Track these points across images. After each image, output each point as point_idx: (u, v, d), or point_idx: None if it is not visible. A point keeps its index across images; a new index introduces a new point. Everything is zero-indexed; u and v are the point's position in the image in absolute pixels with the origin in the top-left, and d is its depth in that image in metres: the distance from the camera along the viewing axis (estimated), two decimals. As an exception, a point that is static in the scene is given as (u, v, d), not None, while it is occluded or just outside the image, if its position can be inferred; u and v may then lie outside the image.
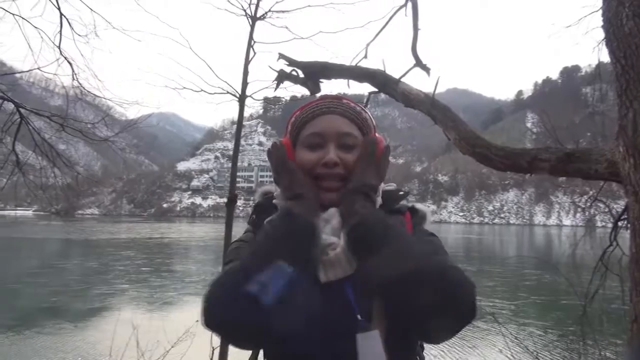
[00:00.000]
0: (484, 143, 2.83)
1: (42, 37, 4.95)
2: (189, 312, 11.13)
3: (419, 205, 1.16)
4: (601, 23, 2.42)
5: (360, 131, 1.12)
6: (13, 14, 4.69)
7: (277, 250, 0.89)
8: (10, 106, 5.01)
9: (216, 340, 4.13)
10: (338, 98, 1.16)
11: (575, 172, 2.41)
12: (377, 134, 1.15)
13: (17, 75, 6.70)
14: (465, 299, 0.87)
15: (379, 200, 1.10)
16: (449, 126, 3.07)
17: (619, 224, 3.18)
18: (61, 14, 4.84)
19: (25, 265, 24.66)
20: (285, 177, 1.07)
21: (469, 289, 0.87)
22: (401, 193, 1.17)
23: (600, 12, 2.43)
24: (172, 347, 5.23)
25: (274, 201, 1.13)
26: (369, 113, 1.18)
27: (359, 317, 0.94)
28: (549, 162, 2.46)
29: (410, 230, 1.09)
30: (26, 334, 10.95)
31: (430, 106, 3.21)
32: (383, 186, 1.16)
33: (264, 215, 1.09)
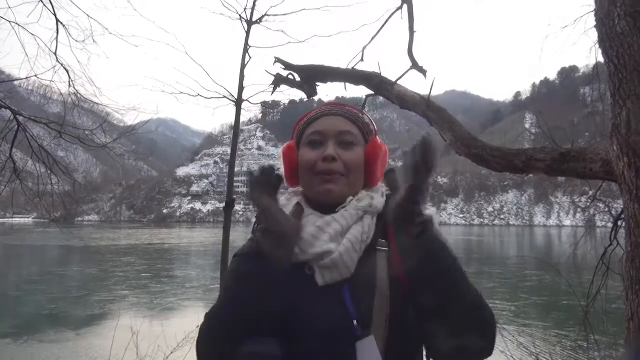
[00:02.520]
0: (480, 144, 2.83)
1: (38, 44, 4.97)
2: (189, 317, 11.10)
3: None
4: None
5: (361, 132, 1.14)
6: (9, 21, 4.70)
7: None
8: (8, 113, 5.02)
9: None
10: (341, 104, 1.19)
11: (570, 171, 2.41)
12: (377, 138, 1.16)
13: (16, 82, 6.71)
14: (492, 341, 0.98)
15: (382, 199, 1.11)
16: (445, 128, 3.08)
17: (619, 223, 3.18)
18: (57, 21, 4.86)
19: (25, 272, 24.62)
20: (258, 212, 1.05)
21: (494, 331, 0.99)
22: None
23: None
24: (172, 352, 5.23)
25: None
26: (370, 117, 1.20)
27: (355, 322, 0.94)
28: (545, 162, 2.47)
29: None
30: (26, 341, 10.92)
31: (425, 108, 3.22)
32: (385, 189, 1.17)
33: None
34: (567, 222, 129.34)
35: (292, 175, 1.16)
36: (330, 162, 1.07)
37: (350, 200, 1.08)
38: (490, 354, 0.97)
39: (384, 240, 1.05)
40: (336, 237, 1.02)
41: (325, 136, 1.11)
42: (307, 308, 0.98)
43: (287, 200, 1.15)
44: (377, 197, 1.11)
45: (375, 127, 1.20)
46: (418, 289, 0.95)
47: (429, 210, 1.10)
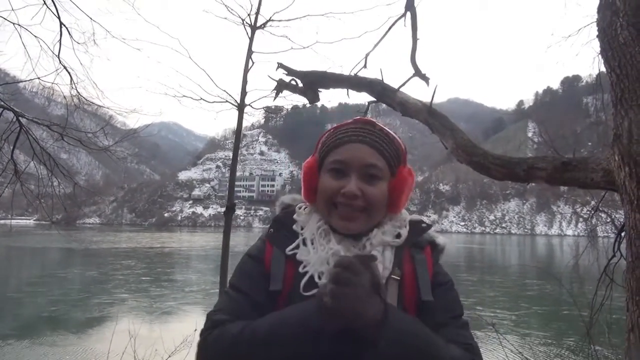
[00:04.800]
0: (481, 152, 2.83)
1: (41, 46, 4.99)
2: (188, 322, 11.05)
3: (439, 240, 1.14)
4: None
5: (387, 162, 1.08)
6: (13, 23, 4.73)
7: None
8: (10, 115, 5.03)
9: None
10: (371, 123, 1.12)
11: (571, 181, 2.40)
12: (405, 167, 1.12)
13: (21, 84, 6.74)
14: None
15: (406, 231, 1.10)
16: (447, 135, 3.07)
17: (622, 234, 3.16)
18: (61, 23, 4.88)
19: (26, 274, 24.62)
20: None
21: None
22: (424, 225, 1.14)
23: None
24: (170, 356, 5.21)
25: (294, 216, 1.13)
26: (402, 141, 1.15)
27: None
28: (546, 171, 2.46)
29: (430, 268, 1.08)
30: (24, 344, 10.89)
31: (427, 115, 3.22)
32: (408, 215, 1.15)
33: (283, 230, 1.10)
34: (569, 232, 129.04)
35: (311, 195, 1.13)
36: (352, 198, 1.03)
37: (375, 233, 1.06)
38: None
39: (397, 270, 1.04)
40: None
41: (349, 167, 1.05)
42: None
43: (307, 217, 1.12)
44: (403, 231, 1.10)
45: (406, 151, 1.16)
46: (426, 313, 1.01)
47: (443, 240, 1.14)
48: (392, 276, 1.02)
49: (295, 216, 1.12)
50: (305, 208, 1.15)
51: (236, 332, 0.93)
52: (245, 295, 1.03)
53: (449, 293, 1.09)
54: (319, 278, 1.00)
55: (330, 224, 1.08)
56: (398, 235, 1.08)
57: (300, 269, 1.03)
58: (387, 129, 1.13)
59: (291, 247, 1.07)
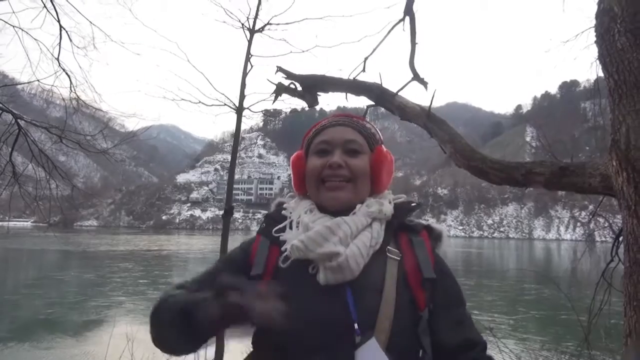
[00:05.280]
0: (479, 156, 2.83)
1: (41, 49, 5.00)
2: (186, 325, 11.01)
3: (435, 225, 1.18)
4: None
5: (365, 139, 1.18)
6: (13, 26, 4.74)
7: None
8: (9, 117, 5.03)
9: (210, 353, 4.09)
10: (347, 115, 1.24)
11: (569, 185, 2.41)
12: (383, 147, 1.19)
13: (19, 86, 6.74)
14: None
15: (390, 206, 1.14)
16: (445, 139, 3.08)
17: (620, 239, 3.16)
18: (61, 27, 4.89)
19: (22, 276, 24.53)
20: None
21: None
22: (413, 204, 1.19)
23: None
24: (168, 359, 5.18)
25: (282, 212, 1.17)
26: (376, 128, 1.24)
27: (356, 326, 0.95)
28: (544, 176, 2.46)
29: (430, 251, 1.11)
30: (21, 346, 10.83)
31: (426, 119, 3.22)
32: (392, 196, 1.20)
33: (273, 224, 1.15)
34: (567, 236, 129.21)
35: (301, 184, 1.19)
36: (336, 168, 1.10)
37: (359, 207, 1.10)
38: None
39: (395, 250, 1.08)
40: (345, 239, 1.03)
41: (332, 145, 1.15)
42: (305, 303, 0.99)
43: (296, 203, 1.18)
44: (386, 204, 1.14)
45: (381, 137, 1.24)
46: (434, 295, 1.06)
47: (440, 226, 1.18)
48: (391, 256, 1.06)
49: (285, 204, 1.19)
50: (296, 198, 1.21)
51: (167, 295, 1.01)
52: (217, 271, 1.08)
53: (450, 283, 1.14)
54: None
55: (319, 204, 1.13)
56: (382, 206, 1.12)
57: (283, 249, 1.07)
58: (362, 119, 1.25)
59: (277, 227, 1.12)
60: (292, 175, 1.21)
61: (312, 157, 1.16)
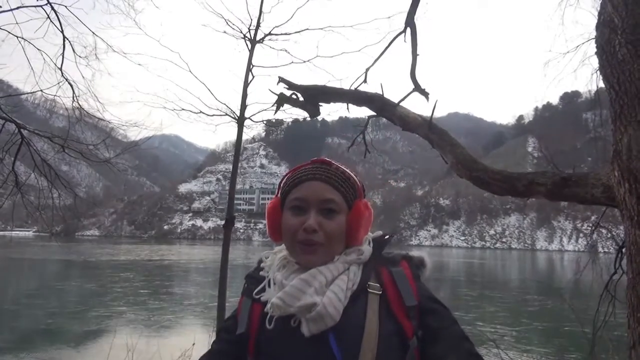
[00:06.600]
0: (481, 167, 2.83)
1: (44, 59, 5.04)
2: (186, 335, 10.96)
3: (413, 253, 1.19)
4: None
5: (343, 196, 1.14)
6: (17, 36, 4.77)
7: None
8: (12, 127, 5.06)
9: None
10: (327, 163, 1.19)
11: (571, 196, 2.40)
12: (362, 201, 1.16)
13: (23, 96, 6.79)
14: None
15: (369, 248, 1.15)
16: (447, 150, 3.08)
17: (624, 250, 3.14)
18: (64, 37, 4.93)
19: (23, 286, 24.48)
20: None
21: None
22: (386, 237, 1.20)
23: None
24: (167, 371, 5.15)
25: (260, 272, 1.19)
26: (358, 179, 1.20)
27: None
28: (546, 187, 2.46)
29: (411, 281, 1.11)
30: (21, 356, 10.78)
31: (427, 130, 3.23)
32: (371, 235, 1.20)
33: (255, 283, 1.16)
34: (570, 247, 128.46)
35: (275, 233, 1.18)
36: (311, 233, 1.08)
37: (337, 258, 1.11)
38: None
39: (376, 284, 1.09)
40: (321, 289, 1.04)
41: (308, 203, 1.11)
42: (292, 358, 1.02)
43: (272, 259, 1.19)
44: (365, 248, 1.14)
45: (362, 186, 1.20)
46: (423, 320, 1.06)
47: (420, 253, 1.20)
48: (372, 291, 1.07)
49: (261, 272, 1.19)
50: (271, 255, 1.21)
51: None
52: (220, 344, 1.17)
53: (437, 306, 1.12)
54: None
55: (295, 260, 1.14)
56: (361, 254, 1.13)
57: (265, 309, 1.08)
58: (343, 167, 1.19)
59: (257, 289, 1.14)
60: (267, 223, 1.18)
61: (287, 212, 1.13)
